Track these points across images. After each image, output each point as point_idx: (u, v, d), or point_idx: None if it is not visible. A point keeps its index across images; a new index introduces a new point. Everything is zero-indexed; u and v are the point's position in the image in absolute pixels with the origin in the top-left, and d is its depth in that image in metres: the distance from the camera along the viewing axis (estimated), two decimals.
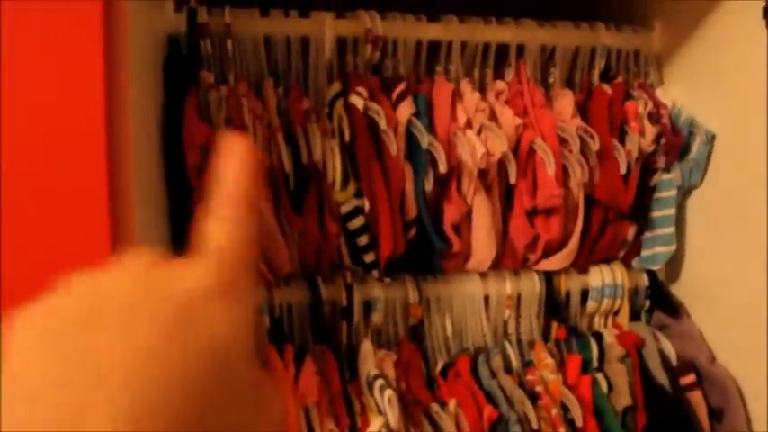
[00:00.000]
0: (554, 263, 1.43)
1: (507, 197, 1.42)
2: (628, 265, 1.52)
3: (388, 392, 1.19)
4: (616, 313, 1.52)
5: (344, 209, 1.31)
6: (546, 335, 1.47)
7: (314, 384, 1.24)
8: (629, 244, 1.51)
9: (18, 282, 0.61)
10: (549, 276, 1.46)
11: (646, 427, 1.34)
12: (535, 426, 1.26)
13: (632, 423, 1.34)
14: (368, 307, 1.36)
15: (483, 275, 1.43)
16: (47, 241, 0.83)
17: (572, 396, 1.30)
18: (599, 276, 1.48)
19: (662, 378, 1.38)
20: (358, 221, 1.30)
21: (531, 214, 1.41)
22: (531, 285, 1.44)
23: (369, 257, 1.32)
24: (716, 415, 1.36)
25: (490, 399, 1.28)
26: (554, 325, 1.47)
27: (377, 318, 1.35)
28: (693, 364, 1.40)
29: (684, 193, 1.50)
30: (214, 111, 1.27)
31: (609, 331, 1.47)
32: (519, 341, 1.43)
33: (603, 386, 1.37)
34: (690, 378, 1.39)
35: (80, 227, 0.85)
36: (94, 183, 0.85)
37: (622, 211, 1.43)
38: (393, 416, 1.18)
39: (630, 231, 1.50)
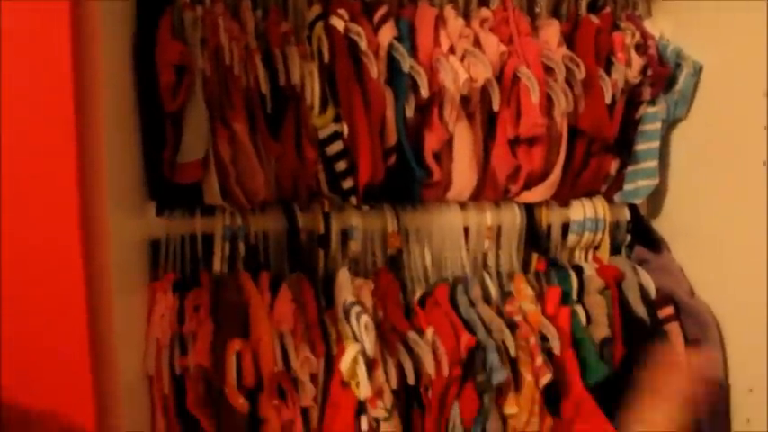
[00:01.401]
0: (535, 194, 1.41)
1: (490, 126, 1.39)
2: (610, 200, 1.50)
3: (365, 318, 1.17)
4: (597, 247, 1.51)
5: (323, 133, 1.27)
6: (526, 267, 1.45)
7: (289, 311, 1.22)
8: (612, 178, 1.49)
9: None
10: (530, 209, 1.44)
11: (623, 358, 1.34)
12: (513, 353, 1.25)
13: (609, 354, 1.34)
14: (345, 236, 1.33)
15: (463, 206, 1.41)
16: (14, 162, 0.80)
17: (551, 325, 1.29)
18: (580, 210, 1.46)
19: (640, 311, 1.38)
20: (336, 146, 1.27)
21: (514, 144, 1.38)
22: (512, 217, 1.42)
23: (347, 184, 1.29)
24: (693, 347, 1.36)
25: (468, 327, 1.26)
26: (534, 257, 1.45)
27: (354, 246, 1.33)
28: (672, 298, 1.39)
29: (669, 126, 1.48)
30: (189, 30, 1.22)
31: (589, 265, 1.46)
32: (498, 273, 1.41)
33: (582, 318, 1.37)
34: (668, 311, 1.38)
35: (47, 148, 0.81)
36: (62, 104, 0.81)
37: (607, 141, 1.41)
38: (369, 342, 1.17)
39: (613, 165, 1.48)
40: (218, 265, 1.27)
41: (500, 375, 1.21)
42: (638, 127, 1.47)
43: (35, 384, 0.85)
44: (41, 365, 0.85)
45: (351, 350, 1.18)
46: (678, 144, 1.49)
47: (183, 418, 1.18)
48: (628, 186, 1.48)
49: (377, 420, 1.20)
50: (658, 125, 1.45)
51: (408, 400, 1.26)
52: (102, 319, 0.88)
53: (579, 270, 1.43)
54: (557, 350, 1.27)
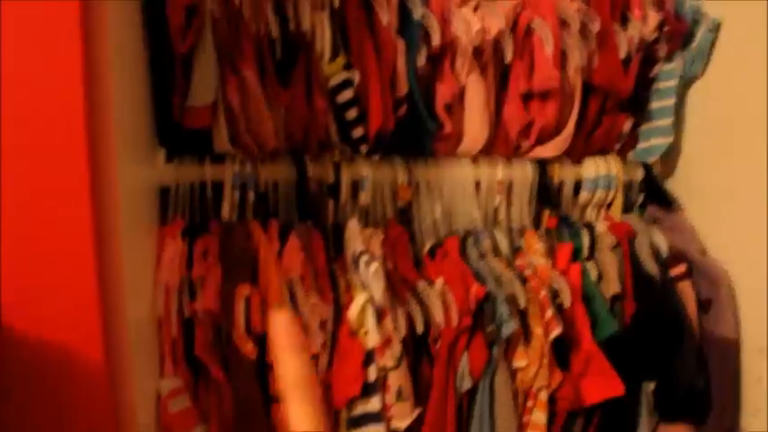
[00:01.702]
0: (548, 150, 1.40)
1: (502, 80, 1.37)
2: (623, 159, 1.49)
3: (374, 266, 1.16)
4: (609, 206, 1.49)
5: (333, 81, 1.26)
6: (537, 224, 1.44)
7: (298, 259, 1.21)
8: (626, 136, 1.47)
9: None
10: (542, 165, 1.43)
11: (634, 315, 1.33)
12: (523, 305, 1.24)
13: (620, 311, 1.33)
14: (356, 187, 1.32)
15: (474, 160, 1.39)
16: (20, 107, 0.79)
17: (561, 279, 1.28)
18: (593, 168, 1.45)
19: (652, 268, 1.36)
20: (347, 94, 1.26)
21: (527, 98, 1.37)
22: (524, 173, 1.41)
23: (357, 132, 1.28)
24: (704, 306, 1.35)
25: (478, 278, 1.26)
26: (545, 214, 1.44)
27: (364, 198, 1.32)
28: (684, 256, 1.38)
29: (685, 83, 1.46)
30: None
31: (601, 222, 1.45)
32: (509, 228, 1.40)
33: (593, 274, 1.36)
34: (680, 269, 1.37)
35: (55, 91, 0.80)
36: (69, 44, 0.80)
37: (621, 96, 1.39)
38: (378, 289, 1.16)
39: (627, 123, 1.46)
40: (227, 213, 1.26)
41: (509, 327, 1.21)
42: (653, 85, 1.45)
43: (44, 326, 0.84)
44: (51, 307, 0.84)
45: (360, 298, 1.18)
46: (693, 102, 1.47)
47: (192, 364, 1.18)
48: (642, 145, 1.47)
49: (385, 370, 1.19)
50: (674, 82, 1.43)
51: (417, 350, 1.25)
52: (110, 263, 0.88)
53: (591, 227, 1.42)
54: (567, 303, 1.26)
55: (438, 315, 1.21)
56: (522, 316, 1.25)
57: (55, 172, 0.82)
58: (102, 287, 0.85)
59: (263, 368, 1.17)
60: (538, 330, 1.24)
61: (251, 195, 1.28)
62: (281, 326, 0.46)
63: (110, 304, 0.87)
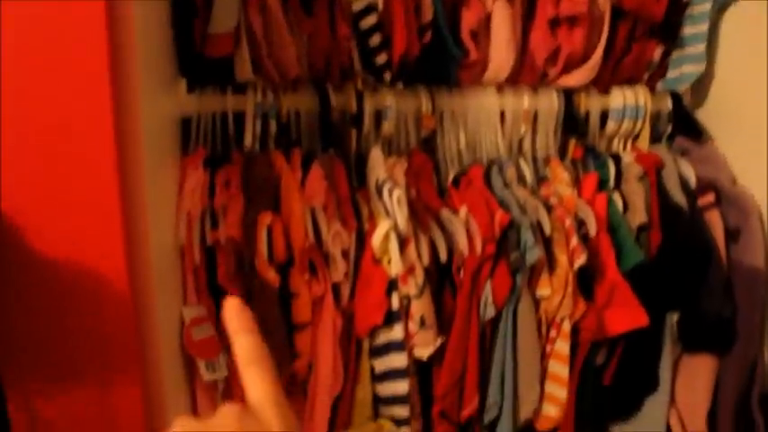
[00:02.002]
0: (575, 78, 1.37)
1: (529, 6, 1.34)
2: (652, 89, 1.45)
3: (397, 192, 1.16)
4: (636, 137, 1.46)
5: (356, 6, 1.23)
6: (562, 154, 1.42)
7: (321, 188, 1.21)
8: (655, 65, 1.44)
9: None
10: (568, 95, 1.40)
11: (660, 245, 1.31)
12: (548, 233, 1.23)
13: (647, 241, 1.32)
14: (379, 116, 1.30)
15: (500, 89, 1.37)
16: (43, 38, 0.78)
17: (587, 207, 1.26)
18: (620, 97, 1.42)
19: (679, 198, 1.34)
20: (371, 19, 1.23)
21: (554, 24, 1.33)
22: (550, 102, 1.38)
23: (381, 59, 1.25)
24: (733, 235, 1.33)
25: (503, 206, 1.24)
26: (571, 144, 1.42)
27: (388, 127, 1.30)
28: (713, 185, 1.35)
29: (719, 8, 1.41)
30: None
31: (627, 153, 1.42)
32: (534, 158, 1.38)
33: (619, 204, 1.34)
34: (708, 198, 1.35)
35: (78, 22, 0.79)
36: None
37: (653, 21, 1.35)
38: (402, 216, 1.15)
39: (657, 51, 1.43)
40: (249, 142, 1.25)
41: (534, 254, 1.20)
42: (686, 9, 1.40)
43: (72, 250, 0.85)
44: (78, 233, 0.85)
45: (383, 226, 1.17)
46: (727, 29, 1.43)
47: (215, 294, 1.19)
48: (672, 73, 1.43)
49: (408, 298, 1.19)
50: (708, 7, 1.38)
51: (440, 279, 1.25)
52: (134, 192, 0.88)
53: (617, 158, 1.40)
54: (592, 231, 1.25)
55: (462, 242, 1.20)
56: (547, 244, 1.24)
57: (78, 100, 0.82)
58: (126, 214, 0.87)
59: (285, 298, 1.17)
60: (562, 259, 1.23)
61: (273, 125, 1.27)
62: (232, 311, 0.49)
63: (133, 230, 0.88)
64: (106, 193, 0.84)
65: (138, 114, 0.88)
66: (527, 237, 1.20)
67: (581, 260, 1.22)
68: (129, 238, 0.87)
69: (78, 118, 0.82)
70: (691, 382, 1.36)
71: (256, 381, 0.48)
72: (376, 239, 1.17)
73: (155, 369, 0.96)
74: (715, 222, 1.33)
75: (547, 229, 1.23)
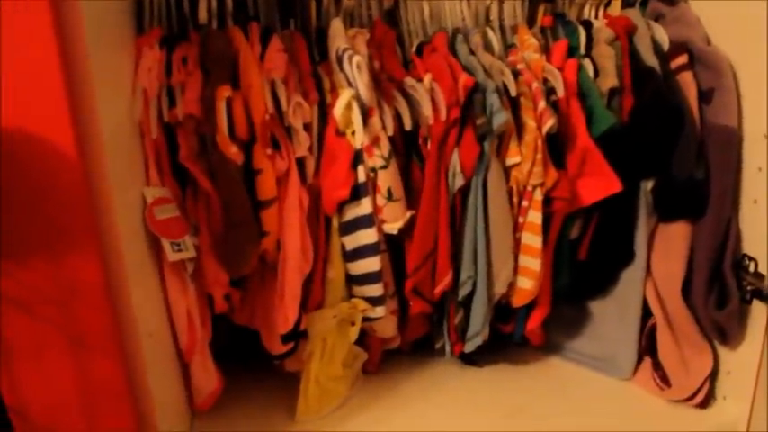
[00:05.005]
0: None
1: None
2: None
3: (357, 59, 1.12)
4: (608, 4, 1.42)
5: None
6: (531, 23, 1.38)
7: (281, 61, 1.17)
8: None
9: None
10: None
11: (632, 109, 1.28)
12: (513, 94, 1.19)
13: (618, 105, 1.28)
14: None
15: None
16: None
17: (555, 70, 1.22)
18: None
19: (652, 62, 1.30)
20: None
21: None
22: None
23: None
24: (706, 96, 1.29)
25: (468, 72, 1.20)
26: (540, 11, 1.37)
27: None
28: (686, 46, 1.31)
29: None
30: None
31: (599, 20, 1.38)
32: (501, 27, 1.34)
33: (590, 70, 1.30)
34: (681, 59, 1.31)
35: None
36: None
37: None
38: (363, 84, 1.12)
39: None
40: (204, 17, 1.21)
41: (500, 117, 1.17)
42: None
43: (19, 128, 0.83)
44: (22, 112, 0.83)
45: (344, 95, 1.14)
46: None
47: (178, 174, 1.16)
48: None
49: (374, 170, 1.17)
50: None
51: (407, 151, 1.23)
52: (77, 71, 0.86)
53: (588, 24, 1.36)
54: (560, 94, 1.22)
55: (426, 109, 1.17)
56: (515, 110, 1.21)
57: None
58: (70, 93, 0.85)
59: (250, 177, 1.15)
60: (531, 123, 1.20)
61: (229, 0, 1.22)
62: None
63: (80, 107, 0.86)
64: (48, 70, 0.82)
65: None
66: (493, 100, 1.17)
67: (550, 123, 1.19)
68: (76, 115, 0.85)
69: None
70: (666, 252, 1.35)
71: None
72: (338, 109, 1.14)
73: (115, 247, 0.94)
74: (688, 84, 1.29)
75: (512, 91, 1.19)
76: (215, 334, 1.25)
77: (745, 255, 1.29)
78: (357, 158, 1.16)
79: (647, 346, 1.42)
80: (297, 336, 1.21)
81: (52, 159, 0.86)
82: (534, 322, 1.35)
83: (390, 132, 1.17)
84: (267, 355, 1.27)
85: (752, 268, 1.27)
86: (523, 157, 1.22)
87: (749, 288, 1.26)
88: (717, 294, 1.31)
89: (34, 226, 0.88)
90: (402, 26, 1.32)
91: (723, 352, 1.36)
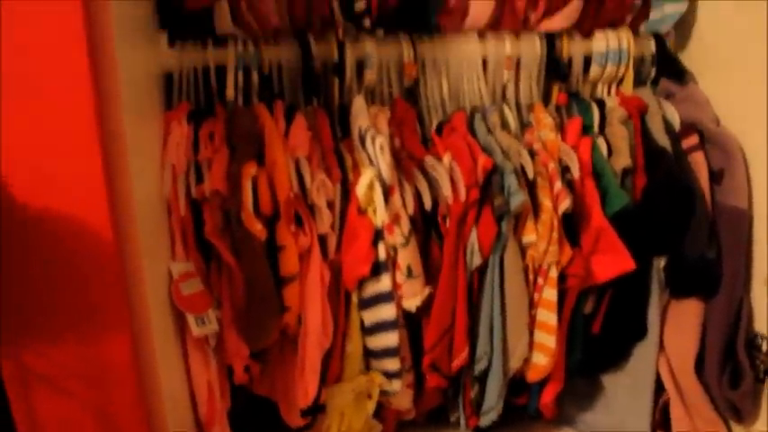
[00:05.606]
0: (556, 21, 1.35)
1: None
2: (635, 32, 1.44)
3: (380, 140, 1.15)
4: (620, 82, 1.45)
5: None
6: (546, 101, 1.41)
7: (305, 138, 1.20)
8: (638, 8, 1.42)
9: None
10: (550, 39, 1.38)
11: (645, 188, 1.31)
12: (531, 176, 1.22)
13: (631, 184, 1.31)
14: (361, 66, 1.29)
15: (481, 35, 1.35)
16: None
17: (570, 151, 1.26)
18: (603, 41, 1.41)
19: (664, 141, 1.34)
20: None
21: None
22: (532, 47, 1.37)
23: (360, 5, 1.24)
24: (717, 176, 1.33)
25: (486, 152, 1.24)
26: (555, 90, 1.41)
27: (370, 76, 1.29)
28: (697, 127, 1.35)
29: None
30: None
31: (611, 98, 1.42)
32: (518, 104, 1.38)
33: (603, 149, 1.33)
34: (692, 140, 1.34)
35: None
36: None
37: None
38: (385, 164, 1.15)
39: None
40: (231, 94, 1.24)
41: (518, 198, 1.19)
42: None
43: (55, 206, 0.85)
44: (60, 188, 0.85)
45: (366, 175, 1.17)
46: None
47: (203, 250, 1.18)
48: (654, 15, 1.41)
49: (394, 248, 1.19)
50: None
51: (427, 229, 1.25)
52: (114, 146, 0.88)
53: (601, 103, 1.39)
54: (576, 174, 1.25)
55: (446, 188, 1.20)
56: (531, 190, 1.24)
57: (55, 60, 0.81)
58: (106, 168, 0.86)
59: (273, 252, 1.17)
60: (547, 203, 1.22)
61: (255, 77, 1.26)
62: None
63: (115, 184, 0.88)
64: (86, 145, 0.84)
65: (116, 70, 0.87)
66: (511, 181, 1.20)
67: (566, 204, 1.22)
68: (112, 192, 0.87)
69: (55, 72, 0.81)
70: (679, 328, 1.37)
71: None
72: (360, 189, 1.17)
73: (144, 323, 0.96)
74: (699, 164, 1.33)
75: (530, 173, 1.22)
76: (234, 403, 1.26)
77: (757, 333, 1.31)
78: (378, 236, 1.18)
79: (661, 420, 1.43)
80: (316, 410, 1.22)
81: (87, 238, 0.88)
82: (548, 396, 1.36)
83: (411, 211, 1.19)
84: (286, 427, 1.28)
85: (764, 347, 1.29)
86: (539, 236, 1.24)
87: (762, 367, 1.27)
88: (730, 373, 1.32)
89: (67, 304, 0.89)
90: (422, 103, 1.35)
91: (737, 430, 1.37)
